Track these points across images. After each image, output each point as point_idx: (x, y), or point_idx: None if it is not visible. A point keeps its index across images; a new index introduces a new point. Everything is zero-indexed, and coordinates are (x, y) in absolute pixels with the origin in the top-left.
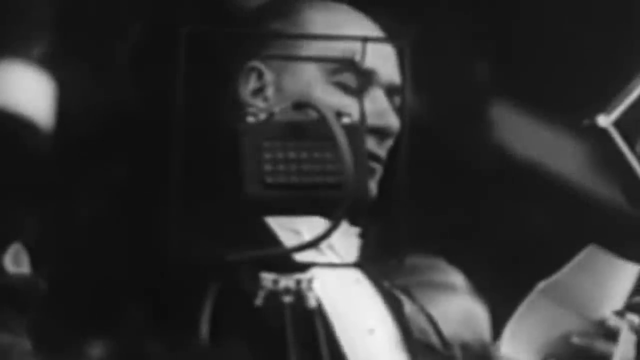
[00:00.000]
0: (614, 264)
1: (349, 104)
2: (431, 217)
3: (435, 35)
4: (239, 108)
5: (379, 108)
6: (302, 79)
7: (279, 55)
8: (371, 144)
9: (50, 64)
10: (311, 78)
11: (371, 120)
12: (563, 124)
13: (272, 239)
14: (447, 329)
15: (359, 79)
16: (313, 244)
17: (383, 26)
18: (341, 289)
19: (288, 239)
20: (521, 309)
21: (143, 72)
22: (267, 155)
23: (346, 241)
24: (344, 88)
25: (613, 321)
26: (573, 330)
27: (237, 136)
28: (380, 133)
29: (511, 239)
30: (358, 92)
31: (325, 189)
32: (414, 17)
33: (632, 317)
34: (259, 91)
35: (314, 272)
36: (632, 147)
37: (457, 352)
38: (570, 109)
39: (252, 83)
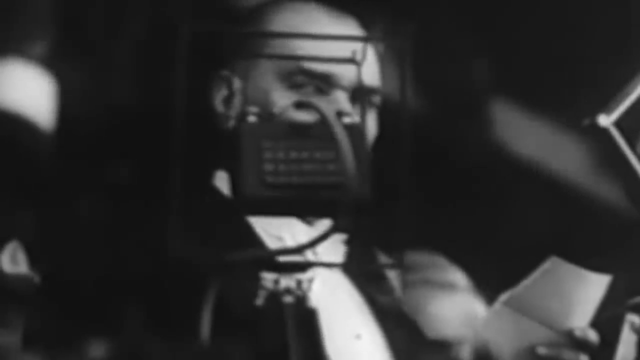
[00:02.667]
0: (577, 275)
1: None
2: (431, 215)
3: (435, 34)
4: (213, 116)
5: (339, 110)
6: (261, 86)
7: (264, 55)
8: None
9: (51, 63)
10: (268, 85)
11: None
12: (563, 123)
13: (258, 245)
14: (447, 327)
15: (314, 81)
16: (316, 242)
17: (369, 24)
18: (328, 294)
19: (272, 245)
20: (484, 321)
21: (144, 71)
22: (268, 155)
23: (331, 248)
24: (301, 92)
25: (580, 332)
26: (539, 340)
27: (236, 136)
28: None
29: (511, 237)
30: (319, 95)
31: (326, 189)
32: (413, 15)
33: (633, 318)
34: (228, 99)
35: (315, 272)
36: (632, 146)
37: (456, 351)
38: (570, 108)
39: (223, 91)
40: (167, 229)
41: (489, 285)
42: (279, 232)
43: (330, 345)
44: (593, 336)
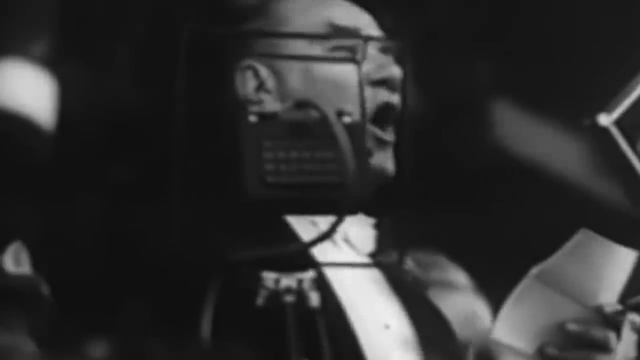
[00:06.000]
0: (609, 249)
1: (350, 70)
2: (433, 215)
3: (436, 34)
4: (241, 106)
5: (377, 62)
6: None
7: (275, 55)
8: (384, 94)
9: (52, 63)
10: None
11: (374, 75)
12: (564, 122)
13: (288, 232)
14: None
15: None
16: (314, 243)
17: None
18: (357, 283)
19: (304, 230)
20: (514, 295)
21: (145, 71)
22: (269, 155)
23: (362, 233)
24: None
25: (610, 308)
26: (568, 316)
27: (238, 135)
28: (387, 83)
29: (513, 237)
30: (359, 60)
31: (327, 189)
32: (415, 14)
33: (633, 317)
34: (260, 87)
35: (315, 271)
36: (633, 146)
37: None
38: (571, 107)
39: (251, 81)
40: (170, 228)
41: (491, 285)
42: (312, 216)
43: (360, 334)
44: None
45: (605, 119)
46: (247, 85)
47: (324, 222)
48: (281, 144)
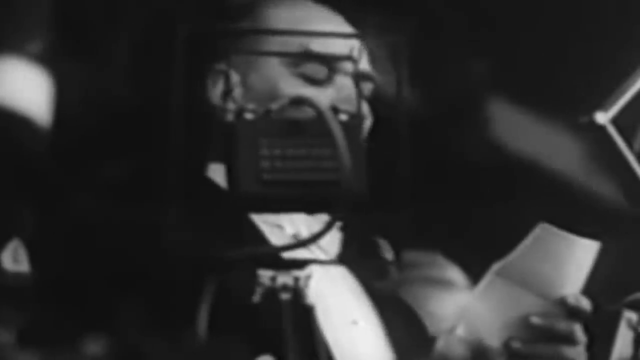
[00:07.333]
0: (568, 241)
1: (315, 95)
2: (429, 213)
3: (432, 31)
4: (211, 111)
5: (345, 96)
6: (267, 75)
7: (258, 51)
8: None
9: (48, 60)
10: (276, 73)
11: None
12: (561, 120)
13: (257, 235)
14: (445, 325)
15: (323, 68)
16: (314, 239)
17: (371, 22)
18: (324, 280)
19: (272, 234)
20: (476, 292)
21: (141, 69)
22: (264, 152)
23: (329, 235)
24: (309, 79)
25: (572, 299)
26: (532, 310)
27: (232, 133)
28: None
29: (509, 236)
30: (325, 82)
31: (323, 186)
32: (411, 12)
33: (629, 314)
34: (227, 93)
35: (311, 268)
36: (629, 144)
37: (455, 348)
38: (568, 106)
39: (220, 86)
40: (164, 226)
41: None
42: (279, 220)
43: (327, 331)
44: (585, 303)
45: (602, 117)
46: (215, 89)
47: (289, 225)
48: (277, 142)
